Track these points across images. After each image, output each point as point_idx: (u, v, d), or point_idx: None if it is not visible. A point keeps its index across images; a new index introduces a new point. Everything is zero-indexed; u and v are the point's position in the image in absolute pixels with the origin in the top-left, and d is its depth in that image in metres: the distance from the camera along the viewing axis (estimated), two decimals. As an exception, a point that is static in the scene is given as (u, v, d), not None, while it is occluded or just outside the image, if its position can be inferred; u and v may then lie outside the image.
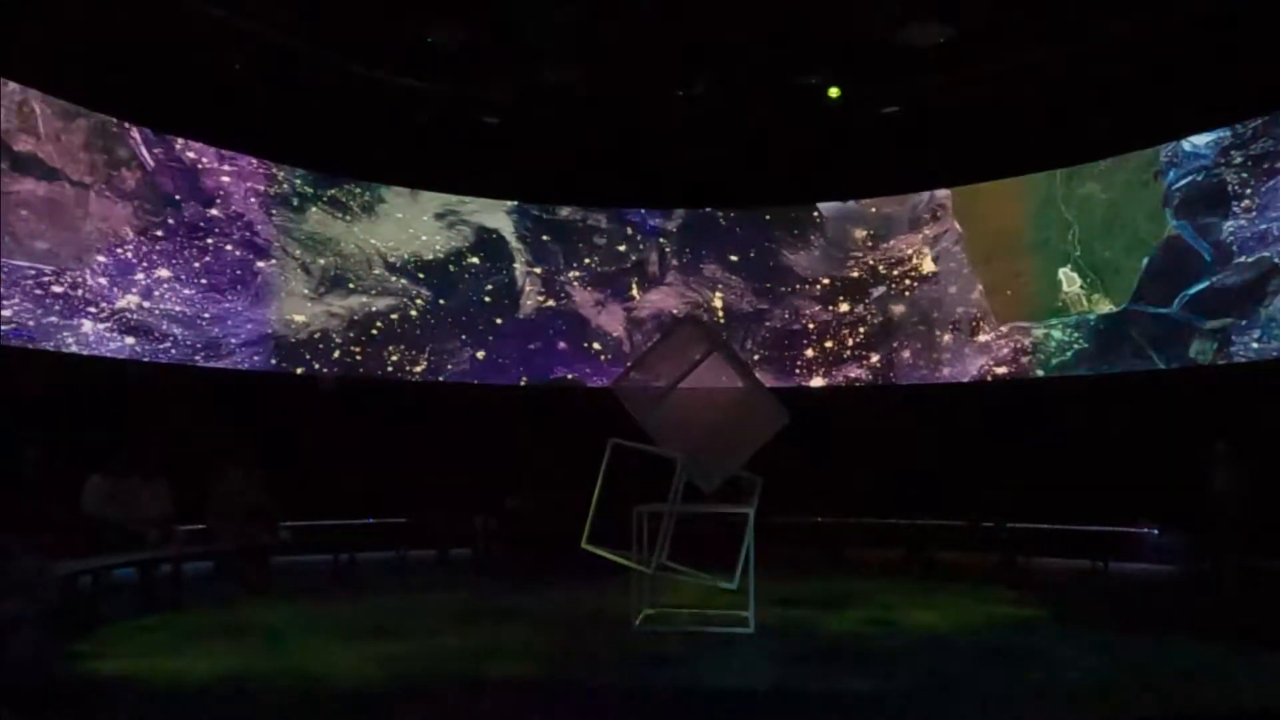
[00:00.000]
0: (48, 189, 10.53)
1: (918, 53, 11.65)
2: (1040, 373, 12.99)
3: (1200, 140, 11.66)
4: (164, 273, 11.62)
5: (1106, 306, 12.43)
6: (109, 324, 11.07)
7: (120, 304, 11.19)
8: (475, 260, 14.36)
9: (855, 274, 14.47)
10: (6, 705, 4.17)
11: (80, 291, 10.80)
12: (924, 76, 12.36)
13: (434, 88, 12.72)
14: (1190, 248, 11.68)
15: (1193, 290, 11.59)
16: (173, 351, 11.64)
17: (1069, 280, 12.81)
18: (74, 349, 10.70)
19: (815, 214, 14.76)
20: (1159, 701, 4.74)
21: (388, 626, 7.49)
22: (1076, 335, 12.69)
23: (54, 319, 10.53)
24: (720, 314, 14.74)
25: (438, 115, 13.02)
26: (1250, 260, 11.11)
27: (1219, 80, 11.05)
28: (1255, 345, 11.02)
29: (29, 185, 10.37)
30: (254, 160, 12.70)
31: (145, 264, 11.45)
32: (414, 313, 13.89)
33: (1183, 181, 11.79)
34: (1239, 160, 11.30)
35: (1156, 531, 10.86)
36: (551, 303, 14.73)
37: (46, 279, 10.47)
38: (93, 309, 10.91)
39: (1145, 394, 11.70)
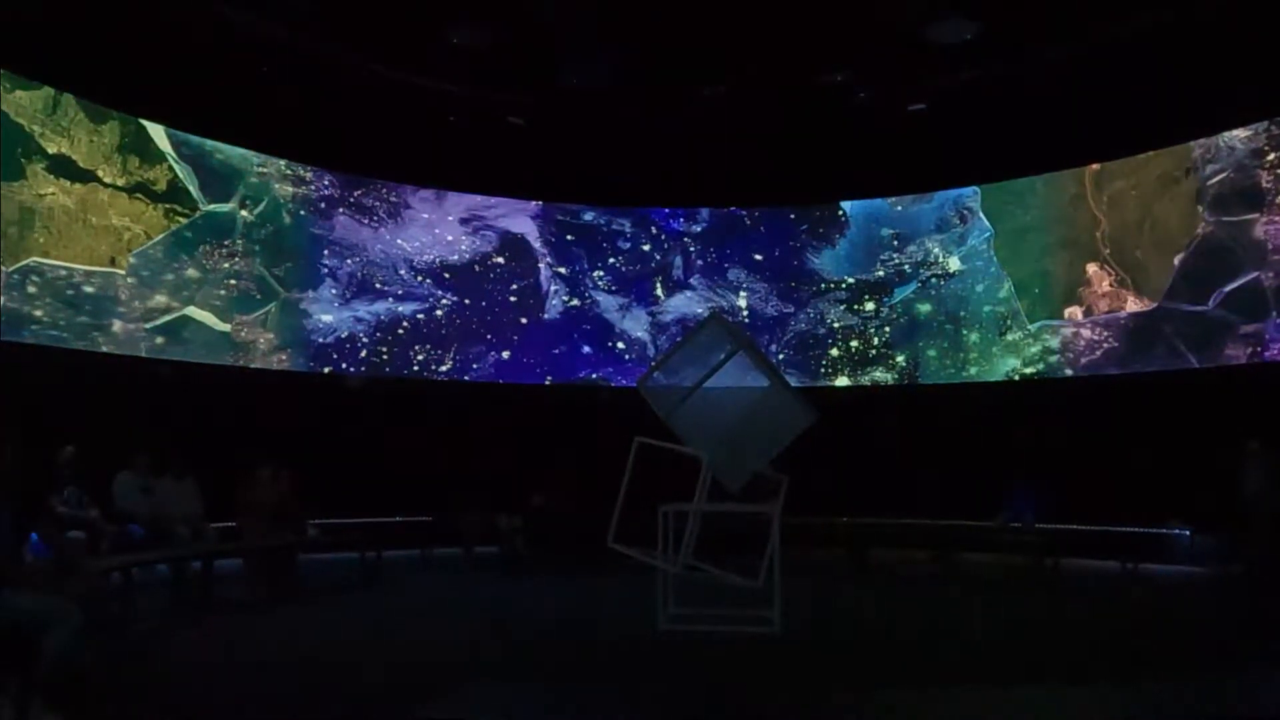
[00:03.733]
0: (80, 190, 10.68)
1: (945, 49, 11.56)
2: (1069, 372, 12.84)
3: (1235, 135, 11.47)
4: (193, 273, 11.75)
5: (1138, 305, 12.26)
6: (139, 324, 11.20)
7: (151, 304, 11.32)
8: (500, 262, 14.41)
9: (881, 273, 14.37)
10: (51, 703, 4.22)
11: (111, 292, 10.94)
12: (951, 73, 12.27)
13: (459, 89, 12.79)
14: (1226, 245, 11.49)
15: (1229, 288, 11.40)
16: (202, 352, 11.76)
17: (1099, 278, 12.65)
18: (105, 349, 10.84)
19: (840, 213, 14.68)
20: (1187, 704, 4.65)
21: (412, 624, 7.53)
22: (1107, 334, 12.53)
23: (85, 319, 10.67)
24: (745, 314, 14.68)
25: (463, 116, 13.10)
26: (1286, 257, 10.92)
27: (1254, 74, 10.86)
28: (1291, 344, 10.84)
29: (62, 187, 10.52)
30: (282, 162, 12.82)
31: (176, 265, 11.58)
32: (439, 313, 13.95)
33: (1217, 178, 11.60)
34: (1276, 155, 11.10)
35: (1188, 533, 10.70)
36: (576, 303, 14.75)
37: (78, 280, 10.62)
38: (123, 309, 11.05)
39: (1177, 394, 11.52)
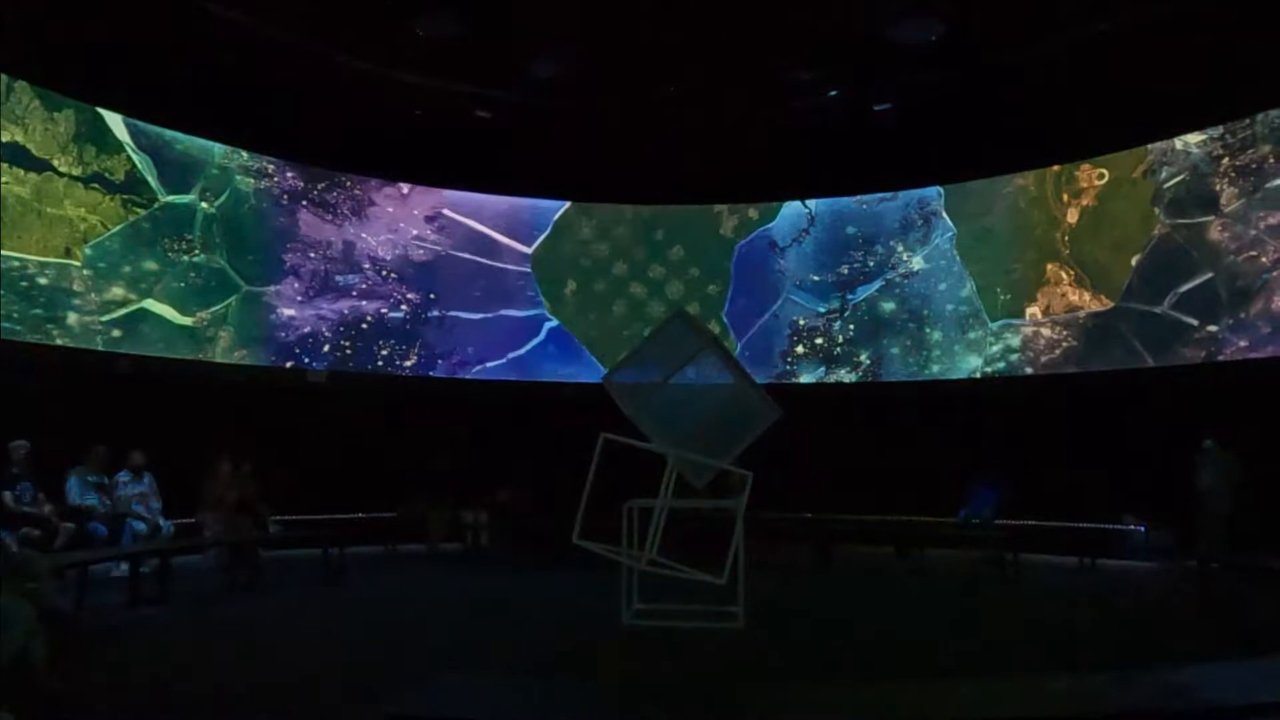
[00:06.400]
0: (34, 180, 10.44)
1: (911, 50, 11.67)
2: (1030, 370, 13.03)
3: (1192, 139, 11.71)
4: (152, 265, 11.54)
5: (1096, 304, 12.47)
6: (95, 317, 10.99)
7: (108, 296, 11.11)
8: (465, 258, 14.31)
9: (845, 271, 14.47)
10: (3, 702, 4.15)
11: (66, 284, 10.72)
12: (917, 73, 12.38)
13: (426, 81, 12.68)
14: (1181, 247, 11.72)
15: (1183, 289, 11.63)
16: (160, 346, 11.56)
17: (1058, 278, 12.85)
18: (60, 342, 10.62)
19: (806, 210, 14.76)
20: (1139, 695, 4.74)
21: (377, 619, 7.48)
22: (1066, 333, 12.73)
23: (39, 311, 10.45)
24: (711, 310, 14.71)
25: (429, 109, 13.01)
26: (1240, 259, 11.16)
27: (1211, 80, 11.09)
28: (1243, 344, 11.08)
29: (15, 175, 10.28)
30: (244, 154, 12.63)
31: (133, 256, 11.37)
32: (404, 309, 13.84)
33: (1173, 181, 11.83)
34: (1230, 161, 11.34)
35: (1144, 529, 10.91)
36: (542, 299, 14.70)
37: (32, 271, 10.39)
38: (79, 301, 10.83)
39: (1134, 392, 11.75)
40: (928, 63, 12.03)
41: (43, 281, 10.47)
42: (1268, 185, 10.94)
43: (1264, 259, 10.93)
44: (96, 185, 11.03)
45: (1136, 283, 12.09)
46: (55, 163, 10.66)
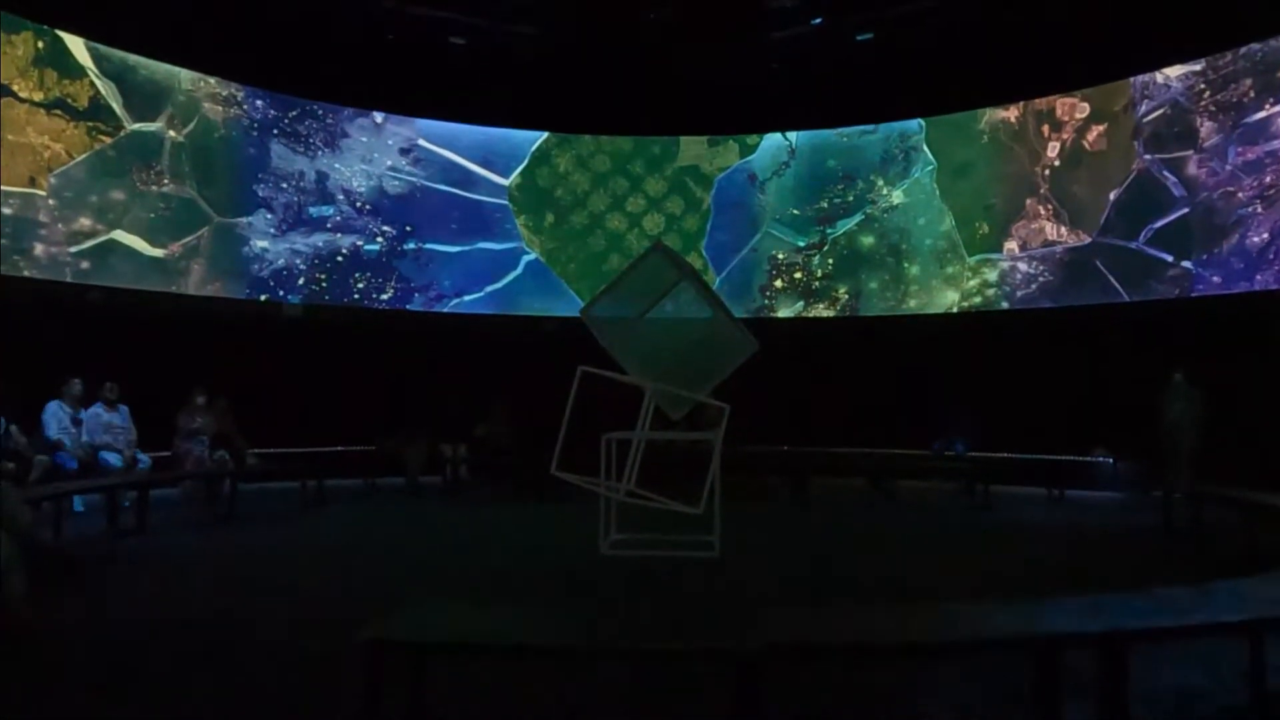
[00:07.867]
0: (-6, 106, 10.14)
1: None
2: (1006, 305, 13.10)
3: (1172, 73, 11.63)
4: (119, 195, 11.30)
5: (1073, 239, 12.51)
6: (63, 248, 10.78)
7: (75, 227, 10.88)
8: (442, 189, 14.10)
9: (824, 205, 14.40)
10: None
11: (31, 214, 10.48)
12: (899, 3, 12.19)
13: (398, 5, 12.34)
14: (1158, 182, 11.73)
15: (1159, 224, 11.68)
16: (130, 277, 11.38)
17: (1036, 213, 12.86)
18: (27, 273, 10.43)
19: (787, 143, 14.62)
20: (1099, 618, 4.88)
21: (355, 550, 7.54)
22: (1043, 268, 12.79)
23: (5, 241, 10.23)
24: (689, 243, 14.63)
25: (402, 35, 12.67)
26: (1216, 195, 11.20)
27: (1192, 12, 10.98)
28: (1217, 280, 11.18)
29: (-26, 102, 9.98)
30: (213, 80, 12.28)
31: (100, 186, 11.12)
32: (380, 241, 13.67)
33: (1153, 115, 11.79)
34: (1209, 95, 11.30)
35: (1112, 460, 11.12)
36: (520, 232, 14.55)
37: (-3, 201, 10.14)
38: (45, 232, 10.61)
39: (1107, 326, 11.86)
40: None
41: (7, 211, 10.23)
42: (1246, 121, 10.92)
43: (1239, 195, 10.97)
44: (59, 112, 10.72)
45: (1113, 218, 12.12)
46: (15, 88, 10.33)
